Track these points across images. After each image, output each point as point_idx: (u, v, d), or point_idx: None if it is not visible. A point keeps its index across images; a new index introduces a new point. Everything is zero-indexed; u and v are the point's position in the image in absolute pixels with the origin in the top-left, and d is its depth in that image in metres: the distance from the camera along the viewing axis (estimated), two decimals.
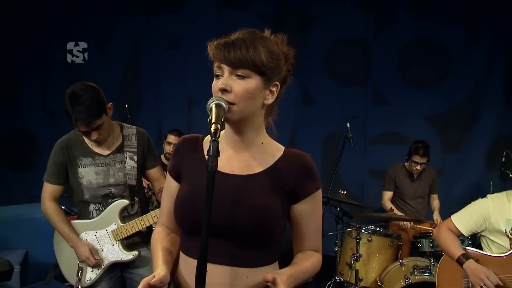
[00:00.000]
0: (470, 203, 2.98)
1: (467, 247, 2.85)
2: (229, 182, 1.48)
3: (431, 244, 4.23)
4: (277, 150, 1.56)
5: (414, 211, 4.79)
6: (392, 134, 5.63)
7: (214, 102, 1.37)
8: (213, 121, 1.32)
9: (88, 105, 2.45)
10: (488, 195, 2.84)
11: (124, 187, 2.73)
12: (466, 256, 2.72)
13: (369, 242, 4.16)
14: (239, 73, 1.40)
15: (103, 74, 5.71)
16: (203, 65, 5.06)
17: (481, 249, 2.85)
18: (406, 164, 4.92)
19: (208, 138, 1.61)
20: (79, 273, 2.71)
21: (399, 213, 4.70)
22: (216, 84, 1.42)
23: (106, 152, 2.70)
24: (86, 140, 2.67)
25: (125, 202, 2.71)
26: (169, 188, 1.65)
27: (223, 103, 1.37)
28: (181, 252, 1.58)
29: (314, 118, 5.66)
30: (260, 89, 1.44)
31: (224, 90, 1.40)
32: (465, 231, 2.82)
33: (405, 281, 3.67)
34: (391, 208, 4.60)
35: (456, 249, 2.78)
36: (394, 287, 3.76)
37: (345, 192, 4.34)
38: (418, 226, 4.66)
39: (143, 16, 5.69)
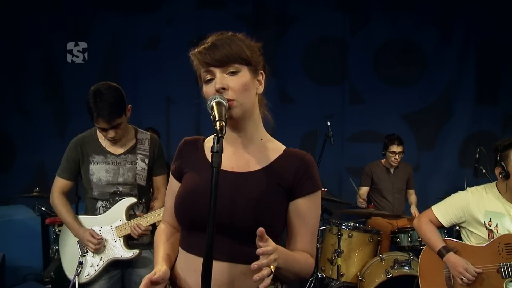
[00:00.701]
0: (445, 198, 3.08)
1: (446, 238, 2.94)
2: (229, 179, 1.50)
3: (409, 239, 4.33)
4: (277, 147, 1.59)
5: (392, 207, 4.90)
6: (368, 132, 5.73)
7: (214, 100, 1.40)
8: (217, 118, 1.35)
9: (110, 103, 2.55)
10: (468, 188, 2.93)
11: (132, 187, 2.80)
12: (447, 248, 2.81)
13: (350, 238, 4.24)
14: (231, 70, 1.45)
15: (79, 73, 5.65)
16: (181, 64, 5.05)
17: (461, 240, 2.94)
18: (382, 160, 5.03)
19: (209, 138, 1.65)
20: (78, 269, 2.76)
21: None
22: (209, 89, 1.46)
23: (118, 152, 2.79)
24: (100, 139, 2.77)
25: (133, 200, 2.79)
26: (172, 187, 1.67)
27: (223, 101, 1.41)
28: (180, 248, 1.59)
29: (292, 117, 5.70)
30: (251, 80, 1.50)
31: (222, 89, 1.44)
32: (446, 222, 2.91)
33: (386, 275, 3.76)
34: (371, 204, 4.70)
35: (436, 241, 2.86)
36: (375, 281, 3.84)
37: (326, 189, 4.41)
38: (396, 222, 4.78)
39: (120, 15, 5.64)
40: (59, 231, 3.94)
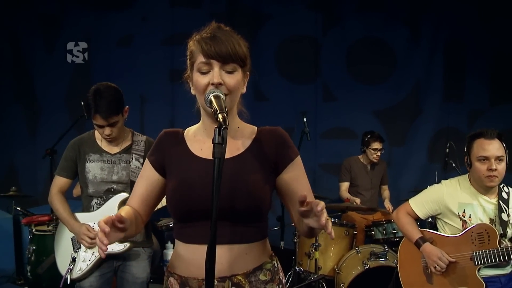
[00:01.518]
0: (416, 192, 3.20)
1: (423, 229, 3.06)
2: None
3: (384, 232, 4.45)
4: (252, 130, 1.67)
5: (367, 202, 5.01)
6: (341, 128, 5.84)
7: (212, 94, 1.46)
8: (218, 111, 1.40)
9: (109, 101, 2.68)
10: (442, 181, 3.06)
11: (125, 186, 2.89)
12: (423, 239, 2.93)
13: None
14: (229, 68, 1.52)
15: (51, 72, 5.58)
16: (154, 63, 5.04)
17: (437, 230, 3.06)
18: (360, 156, 5.15)
19: (189, 129, 1.71)
20: (71, 265, 2.82)
21: (358, 200, 4.90)
22: (203, 80, 1.51)
23: (114, 151, 2.90)
24: (98, 140, 2.89)
25: (125, 195, 2.85)
26: (147, 176, 1.68)
27: (221, 94, 1.47)
28: (177, 241, 1.63)
29: (266, 114, 5.73)
30: (242, 80, 1.57)
31: (219, 84, 1.49)
32: (422, 214, 3.03)
33: (364, 267, 3.86)
34: (347, 198, 4.81)
35: (414, 232, 2.98)
36: (352, 273, 3.94)
37: None
38: (370, 216, 4.93)
39: (93, 12, 5.58)
40: (36, 231, 3.90)
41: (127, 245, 2.80)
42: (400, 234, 4.32)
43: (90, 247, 2.80)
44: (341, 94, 5.82)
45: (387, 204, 5.07)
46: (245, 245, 1.56)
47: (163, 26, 5.55)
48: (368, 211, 4.94)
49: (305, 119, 4.46)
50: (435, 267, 2.85)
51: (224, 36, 1.52)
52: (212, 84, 1.49)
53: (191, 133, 1.69)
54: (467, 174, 2.99)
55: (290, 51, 5.78)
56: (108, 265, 2.87)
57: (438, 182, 3.17)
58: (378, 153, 5.00)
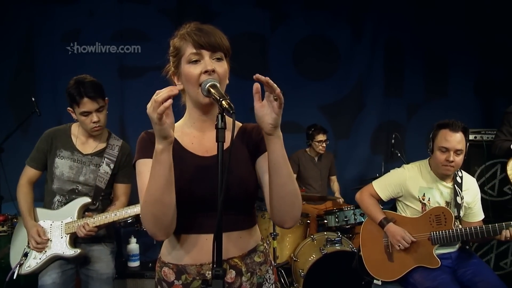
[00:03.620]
0: (362, 181, 3.38)
1: (386, 211, 3.26)
2: (210, 162, 1.60)
3: (336, 220, 4.64)
4: (236, 125, 1.74)
5: (316, 192, 5.23)
6: (289, 123, 5.95)
7: (209, 84, 1.51)
8: (221, 98, 1.43)
9: (93, 85, 2.70)
10: (404, 165, 3.27)
11: (90, 189, 2.85)
12: (387, 219, 3.13)
13: None
14: (218, 56, 1.60)
15: None
16: (103, 59, 4.95)
17: (396, 211, 3.27)
18: (307, 149, 5.35)
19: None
20: (22, 260, 2.78)
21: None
22: (195, 69, 1.57)
23: (86, 152, 2.87)
24: (73, 136, 2.85)
25: (87, 199, 2.83)
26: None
27: (216, 83, 1.52)
28: (175, 235, 1.64)
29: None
30: (228, 70, 1.66)
31: (212, 72, 1.56)
32: (384, 197, 3.23)
33: (321, 252, 4.04)
34: (303, 188, 4.99)
35: (377, 213, 3.18)
36: (309, 260, 4.09)
37: None
38: (321, 206, 5.14)
39: (36, 4, 5.37)
40: None
41: (78, 251, 2.80)
42: (351, 221, 4.54)
43: (35, 249, 2.77)
44: (289, 90, 5.92)
45: (337, 194, 5.31)
46: (238, 231, 1.65)
47: (111, 22, 5.45)
48: (319, 201, 5.15)
49: None
50: (399, 246, 3.06)
51: (209, 29, 1.62)
52: (206, 71, 1.55)
53: (176, 129, 1.68)
54: (428, 159, 3.19)
55: (239, 48, 5.76)
56: (69, 263, 2.85)
57: (384, 171, 3.37)
58: (324, 144, 5.23)
